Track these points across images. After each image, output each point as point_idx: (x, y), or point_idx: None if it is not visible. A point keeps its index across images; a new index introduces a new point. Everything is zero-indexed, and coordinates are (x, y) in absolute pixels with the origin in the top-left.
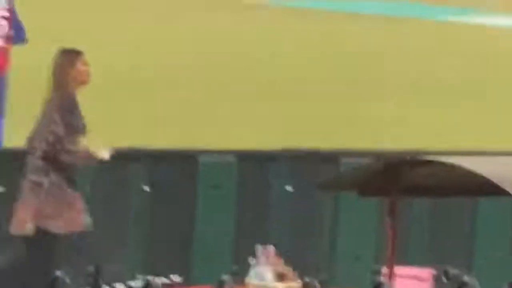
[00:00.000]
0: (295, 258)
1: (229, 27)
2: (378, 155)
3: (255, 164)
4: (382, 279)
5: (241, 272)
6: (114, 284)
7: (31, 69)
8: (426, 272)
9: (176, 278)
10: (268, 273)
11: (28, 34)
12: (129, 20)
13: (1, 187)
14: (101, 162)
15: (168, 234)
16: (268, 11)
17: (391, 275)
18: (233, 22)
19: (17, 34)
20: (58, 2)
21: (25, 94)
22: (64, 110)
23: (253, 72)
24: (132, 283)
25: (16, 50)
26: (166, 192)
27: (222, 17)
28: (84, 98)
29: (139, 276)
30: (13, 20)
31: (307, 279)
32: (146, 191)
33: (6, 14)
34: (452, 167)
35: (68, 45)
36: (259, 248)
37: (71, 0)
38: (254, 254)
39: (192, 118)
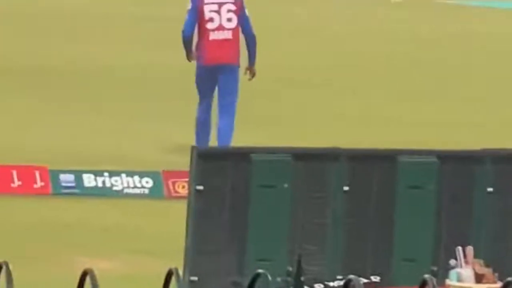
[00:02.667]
0: (495, 260)
1: None
2: None
3: (456, 165)
4: None
5: (441, 273)
6: (314, 285)
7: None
8: None
9: (375, 279)
10: (468, 275)
11: None
12: None
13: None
14: None
15: (368, 235)
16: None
17: None
18: None
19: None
20: None
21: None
22: None
23: (438, 71)
24: (332, 284)
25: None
26: (366, 192)
27: None
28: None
29: (339, 277)
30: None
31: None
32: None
33: (234, 7)
34: None
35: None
36: (459, 250)
37: None
38: (454, 256)
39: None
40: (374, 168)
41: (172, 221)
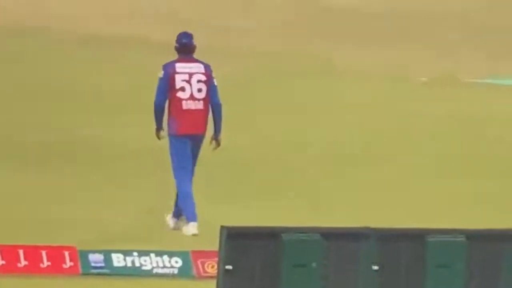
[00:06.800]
0: None
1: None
2: None
3: (485, 244)
4: None
5: None
6: None
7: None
8: None
9: None
10: None
11: None
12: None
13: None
14: None
15: None
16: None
17: None
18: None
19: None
20: None
21: None
22: None
23: (477, 149)
24: None
25: None
26: (395, 272)
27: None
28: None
29: None
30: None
31: None
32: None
33: (203, 78)
34: None
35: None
36: None
37: None
38: None
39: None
40: (403, 247)
41: None
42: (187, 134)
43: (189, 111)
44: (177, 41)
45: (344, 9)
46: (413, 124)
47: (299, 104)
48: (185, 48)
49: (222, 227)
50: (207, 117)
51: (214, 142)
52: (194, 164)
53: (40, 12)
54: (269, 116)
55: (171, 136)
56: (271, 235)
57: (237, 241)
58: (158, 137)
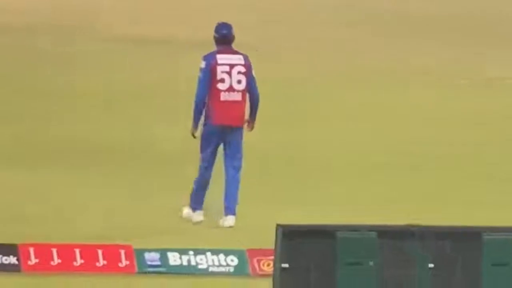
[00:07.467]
0: None
1: None
2: None
3: None
4: None
5: None
6: None
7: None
8: None
9: None
10: None
11: None
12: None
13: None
14: None
15: None
16: None
17: None
18: None
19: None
20: None
21: None
22: None
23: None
24: None
25: None
26: (451, 269)
27: None
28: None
29: None
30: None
31: None
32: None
33: (243, 69)
34: None
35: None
36: None
37: None
38: None
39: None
40: (459, 245)
41: None
42: (223, 124)
43: (227, 102)
44: (217, 31)
45: (381, 12)
46: (461, 124)
47: (338, 109)
48: (225, 39)
49: (278, 226)
50: (245, 108)
51: (247, 124)
52: (239, 157)
53: (71, 12)
54: (308, 118)
55: (206, 125)
56: (326, 233)
57: (293, 239)
58: (193, 135)
